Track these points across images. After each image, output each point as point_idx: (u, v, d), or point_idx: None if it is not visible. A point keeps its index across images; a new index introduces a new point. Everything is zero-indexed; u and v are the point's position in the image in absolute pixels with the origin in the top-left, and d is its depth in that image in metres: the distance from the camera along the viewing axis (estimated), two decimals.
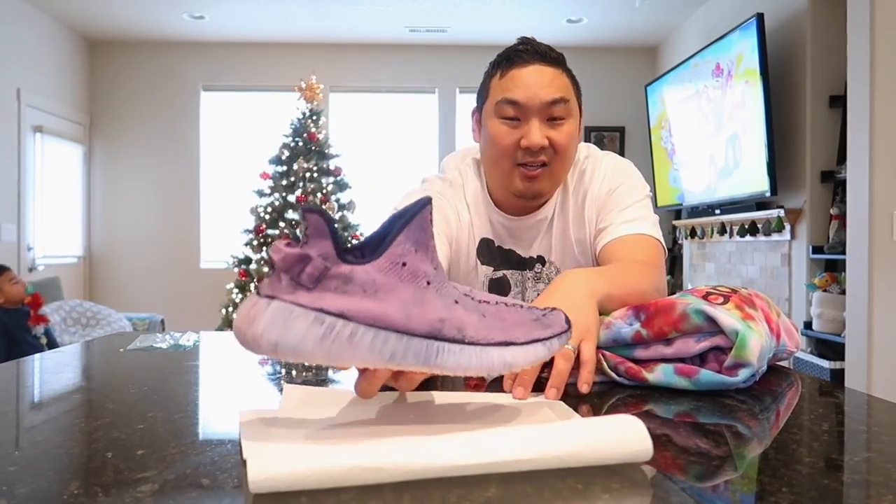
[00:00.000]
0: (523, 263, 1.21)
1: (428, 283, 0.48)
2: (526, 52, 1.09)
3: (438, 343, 0.47)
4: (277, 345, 0.45)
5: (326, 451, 0.42)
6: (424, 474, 0.41)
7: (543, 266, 1.20)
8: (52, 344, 3.68)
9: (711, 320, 0.66)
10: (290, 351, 0.45)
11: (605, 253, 1.11)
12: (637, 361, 0.70)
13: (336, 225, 4.76)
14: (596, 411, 0.61)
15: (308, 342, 0.45)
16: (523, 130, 1.07)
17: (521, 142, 1.07)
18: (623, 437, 0.45)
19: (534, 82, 1.07)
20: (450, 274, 1.19)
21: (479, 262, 1.19)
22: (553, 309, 0.55)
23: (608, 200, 1.15)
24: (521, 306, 0.53)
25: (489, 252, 1.19)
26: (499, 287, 1.20)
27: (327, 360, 0.46)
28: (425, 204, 0.49)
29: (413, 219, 0.48)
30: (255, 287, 0.48)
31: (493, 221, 1.20)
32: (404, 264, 0.47)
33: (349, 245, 0.54)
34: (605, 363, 0.70)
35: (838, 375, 3.14)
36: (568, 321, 0.54)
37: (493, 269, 1.20)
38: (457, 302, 0.49)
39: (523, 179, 1.10)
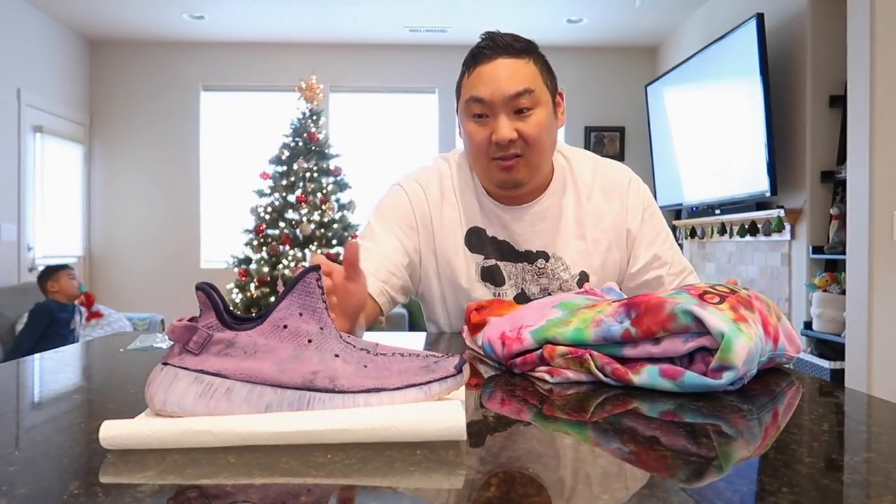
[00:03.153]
0: (519, 256, 1.21)
1: (309, 342, 0.54)
2: (488, 48, 1.11)
3: (311, 393, 0.53)
4: (165, 402, 0.52)
5: (169, 420, 0.50)
6: (247, 440, 0.49)
7: (547, 261, 1.20)
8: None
9: (699, 321, 0.66)
10: (175, 406, 0.52)
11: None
12: (625, 361, 0.70)
13: (336, 221, 4.77)
14: (583, 411, 0.61)
15: (188, 398, 0.52)
16: (493, 126, 1.10)
17: (492, 137, 1.10)
18: (439, 417, 0.50)
19: (497, 77, 1.09)
20: (424, 267, 1.23)
21: (467, 249, 1.20)
22: (452, 356, 0.56)
23: (656, 238, 1.23)
24: (419, 355, 0.56)
25: (479, 240, 1.21)
26: (490, 276, 1.20)
27: (208, 413, 0.52)
28: (308, 272, 0.56)
29: (295, 287, 0.55)
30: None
31: (486, 211, 1.21)
32: (285, 326, 0.54)
33: (252, 313, 0.59)
34: (592, 363, 0.70)
35: (838, 375, 3.14)
36: (459, 367, 0.55)
37: (483, 257, 1.20)
38: (337, 355, 0.55)
39: (500, 171, 1.13)
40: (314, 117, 4.95)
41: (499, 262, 1.21)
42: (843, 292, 3.09)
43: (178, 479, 0.43)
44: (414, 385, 0.54)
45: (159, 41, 5.55)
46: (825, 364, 3.25)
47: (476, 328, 0.92)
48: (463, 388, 0.60)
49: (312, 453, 0.47)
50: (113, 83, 5.62)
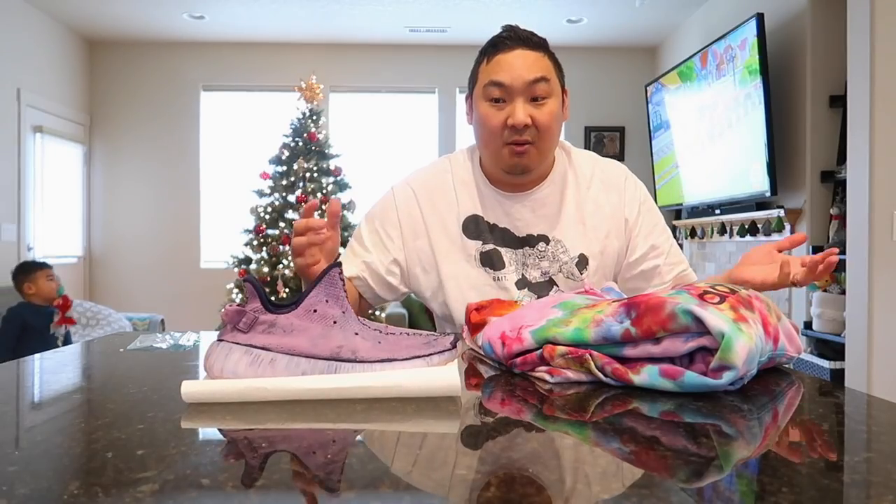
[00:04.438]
0: (520, 242, 1.26)
1: (334, 323, 0.68)
2: (510, 38, 1.20)
3: (338, 363, 0.66)
4: (222, 370, 0.66)
5: (234, 380, 0.64)
6: (297, 395, 0.63)
7: (548, 245, 1.26)
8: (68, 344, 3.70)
9: (699, 321, 0.66)
10: (230, 373, 0.65)
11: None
12: (625, 361, 0.70)
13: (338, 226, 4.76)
14: (583, 411, 0.61)
15: (241, 366, 0.65)
16: (509, 110, 1.17)
17: (508, 121, 1.16)
18: (438, 376, 0.64)
19: (517, 65, 1.17)
20: (420, 264, 1.28)
21: (465, 237, 1.26)
22: (448, 334, 0.71)
23: (653, 230, 1.28)
24: (421, 335, 0.70)
25: (477, 227, 1.26)
26: (490, 261, 1.25)
27: (258, 377, 0.65)
28: (332, 267, 0.69)
29: (322, 280, 0.68)
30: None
31: (486, 199, 1.27)
32: (315, 310, 0.68)
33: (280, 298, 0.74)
34: (592, 363, 0.70)
35: (838, 375, 3.14)
36: (454, 343, 0.69)
37: (482, 242, 1.26)
38: (357, 334, 0.68)
39: (512, 156, 1.19)
40: (314, 117, 4.95)
41: (498, 248, 1.26)
42: (843, 292, 3.09)
43: (177, 479, 0.43)
44: (419, 356, 0.67)
45: (159, 41, 5.55)
46: (825, 364, 3.25)
47: (476, 328, 0.92)
48: (456, 361, 0.71)
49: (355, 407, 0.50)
50: (113, 83, 5.62)
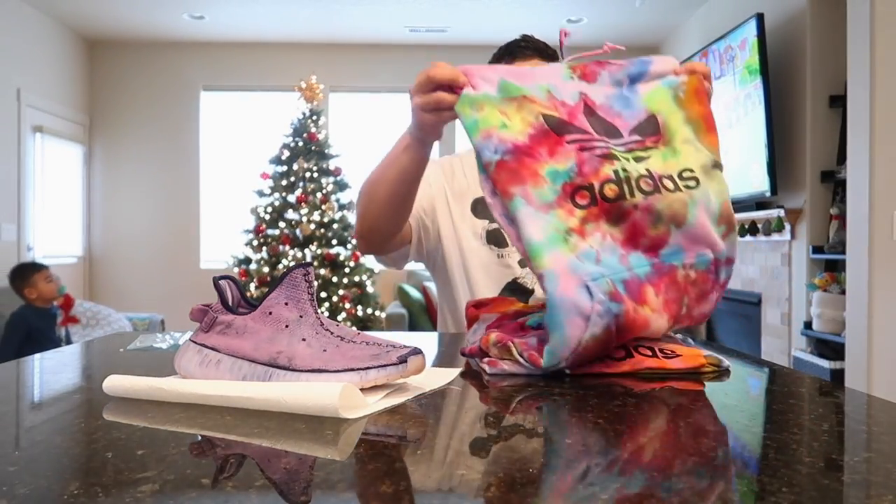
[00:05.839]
0: None
1: (286, 326, 0.64)
2: (527, 47, 1.28)
3: (272, 369, 0.63)
4: (179, 367, 0.67)
5: (153, 379, 0.62)
6: (188, 399, 0.60)
7: None
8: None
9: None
10: (184, 371, 0.67)
11: None
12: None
13: (338, 218, 4.77)
14: (584, 411, 0.61)
15: (191, 365, 0.66)
16: None
17: None
18: (322, 395, 0.55)
19: None
20: (432, 224, 1.35)
21: (473, 216, 1.33)
22: (404, 348, 0.62)
23: None
24: (380, 345, 0.63)
25: (484, 207, 1.34)
26: (495, 238, 1.33)
27: (204, 378, 0.64)
28: (294, 269, 0.66)
29: (283, 281, 0.66)
30: None
31: None
32: (270, 313, 0.65)
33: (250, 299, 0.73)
34: (514, 350, 0.72)
35: (838, 375, 3.14)
36: (403, 358, 0.61)
37: (488, 221, 1.33)
38: (304, 339, 0.63)
39: None
40: (314, 117, 4.95)
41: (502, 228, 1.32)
42: (843, 292, 3.09)
43: (177, 479, 0.43)
44: (353, 369, 0.60)
45: (159, 41, 5.55)
46: (825, 364, 3.25)
47: (470, 322, 0.93)
48: (426, 378, 0.66)
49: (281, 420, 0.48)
50: (113, 83, 5.62)
